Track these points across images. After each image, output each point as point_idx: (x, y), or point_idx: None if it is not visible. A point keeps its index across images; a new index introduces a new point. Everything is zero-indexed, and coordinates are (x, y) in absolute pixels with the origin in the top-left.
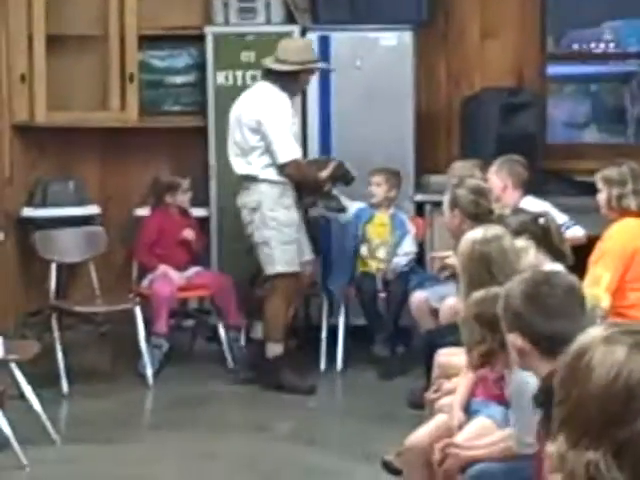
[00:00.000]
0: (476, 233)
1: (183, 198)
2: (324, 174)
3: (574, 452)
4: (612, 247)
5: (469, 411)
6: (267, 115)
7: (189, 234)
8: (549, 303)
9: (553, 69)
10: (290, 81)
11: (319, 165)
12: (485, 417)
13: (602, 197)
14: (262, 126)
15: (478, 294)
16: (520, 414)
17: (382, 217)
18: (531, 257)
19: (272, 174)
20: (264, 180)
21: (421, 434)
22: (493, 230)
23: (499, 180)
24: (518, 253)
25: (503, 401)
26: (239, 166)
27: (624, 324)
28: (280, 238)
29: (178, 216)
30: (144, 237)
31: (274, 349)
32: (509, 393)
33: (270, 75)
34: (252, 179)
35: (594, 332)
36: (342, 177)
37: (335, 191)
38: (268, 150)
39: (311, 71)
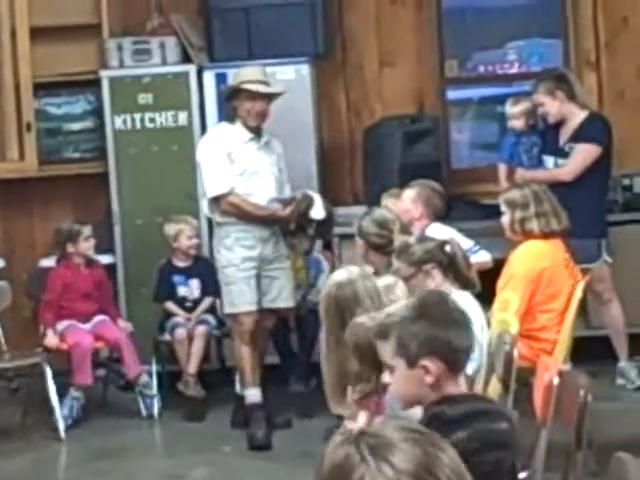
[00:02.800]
0: (337, 275)
1: (86, 245)
2: (286, 211)
3: None
4: (519, 270)
5: None
6: (199, 152)
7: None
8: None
9: (457, 93)
10: (231, 110)
11: (286, 203)
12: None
13: (505, 220)
14: (199, 164)
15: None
16: None
17: (298, 261)
18: (399, 293)
19: (215, 215)
20: (215, 222)
21: None
22: (351, 273)
23: (415, 208)
24: (379, 295)
25: None
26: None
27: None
28: (223, 279)
29: (84, 267)
30: (49, 294)
31: (247, 394)
32: None
33: None
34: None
35: None
36: (304, 216)
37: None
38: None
39: (248, 96)
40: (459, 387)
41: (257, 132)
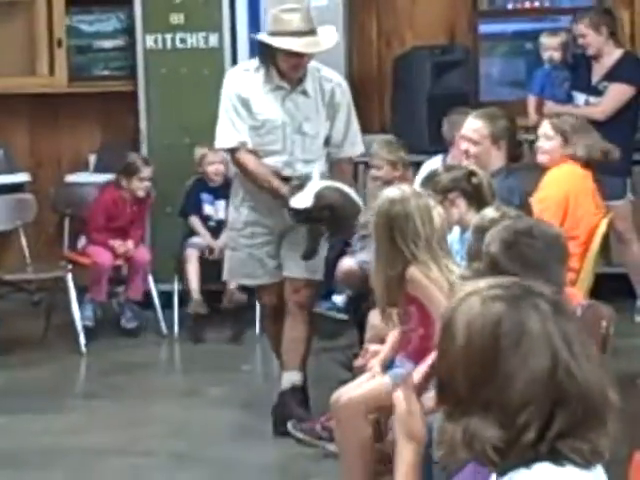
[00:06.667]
0: (390, 192)
1: (138, 185)
2: (285, 189)
3: (450, 424)
4: (549, 193)
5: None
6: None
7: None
8: (527, 254)
9: (487, 27)
10: (265, 56)
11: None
12: (389, 375)
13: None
14: None
15: None
16: None
17: None
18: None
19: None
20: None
21: (354, 385)
22: (404, 191)
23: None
24: (430, 215)
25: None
26: None
27: (492, 280)
28: (228, 242)
29: (130, 204)
30: (92, 222)
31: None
32: None
33: None
34: None
35: (459, 293)
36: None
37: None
38: None
39: (285, 53)
40: None
41: (296, 79)
